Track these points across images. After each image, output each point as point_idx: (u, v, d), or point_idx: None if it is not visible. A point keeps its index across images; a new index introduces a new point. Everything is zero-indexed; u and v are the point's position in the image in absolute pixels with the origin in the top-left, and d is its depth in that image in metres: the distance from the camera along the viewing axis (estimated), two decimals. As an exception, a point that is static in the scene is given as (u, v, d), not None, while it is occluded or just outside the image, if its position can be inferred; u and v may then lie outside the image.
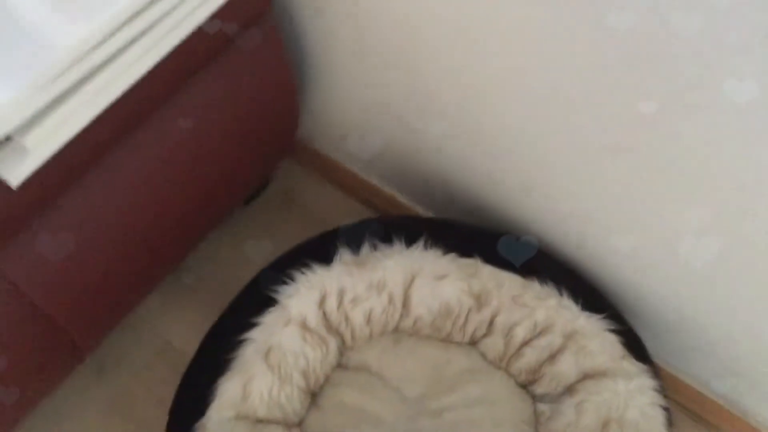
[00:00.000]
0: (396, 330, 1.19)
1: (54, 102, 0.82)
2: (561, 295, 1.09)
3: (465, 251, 1.12)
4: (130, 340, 1.29)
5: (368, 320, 1.14)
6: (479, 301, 1.12)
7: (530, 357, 1.12)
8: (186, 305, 1.32)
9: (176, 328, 1.30)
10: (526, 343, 1.12)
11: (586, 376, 1.08)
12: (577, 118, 0.93)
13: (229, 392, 1.04)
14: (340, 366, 1.19)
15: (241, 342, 1.07)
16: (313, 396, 1.15)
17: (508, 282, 1.11)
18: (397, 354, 1.19)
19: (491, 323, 1.13)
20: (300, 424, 1.12)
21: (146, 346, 1.29)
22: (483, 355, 1.18)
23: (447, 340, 1.19)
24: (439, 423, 1.12)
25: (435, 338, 1.19)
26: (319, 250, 1.12)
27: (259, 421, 1.06)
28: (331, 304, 1.11)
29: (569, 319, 1.09)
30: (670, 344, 1.21)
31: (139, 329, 1.30)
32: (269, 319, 1.08)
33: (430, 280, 1.11)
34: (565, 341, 1.09)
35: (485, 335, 1.16)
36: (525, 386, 1.16)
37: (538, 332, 1.10)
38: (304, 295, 1.09)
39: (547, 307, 1.09)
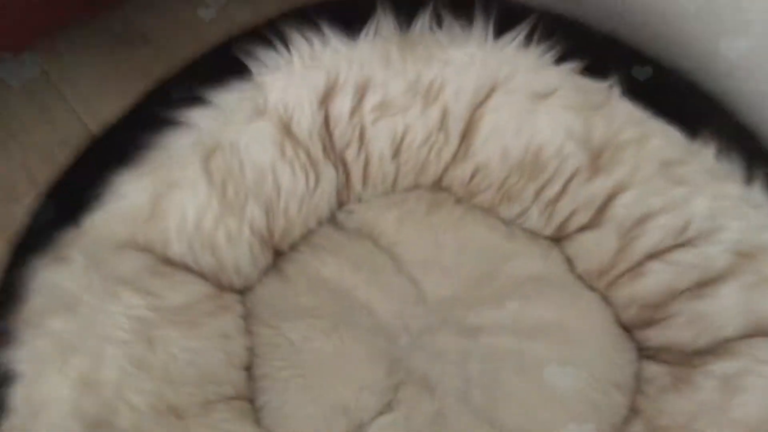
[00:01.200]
0: (438, 185, 0.72)
1: None
2: (750, 181, 0.60)
3: (594, 69, 0.63)
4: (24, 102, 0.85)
5: (396, 150, 0.67)
6: (597, 159, 0.63)
7: (660, 279, 0.63)
8: (113, 67, 0.86)
9: (92, 98, 0.85)
10: (660, 253, 0.63)
11: (758, 332, 0.59)
12: None
13: (128, 199, 0.59)
14: (332, 223, 0.73)
15: (170, 124, 0.61)
16: (277, 254, 0.69)
17: (660, 136, 0.61)
18: (428, 226, 0.72)
19: (607, 204, 0.65)
20: (243, 291, 0.67)
21: (47, 119, 0.84)
22: (570, 262, 0.70)
23: (516, 223, 0.71)
24: (470, 347, 0.66)
25: (498, 215, 0.71)
26: (343, 10, 0.64)
27: (170, 261, 0.61)
28: (343, 103, 0.64)
29: (755, 224, 0.59)
30: None
31: (40, 93, 0.85)
32: (228, 100, 0.61)
33: (521, 97, 0.62)
34: (736, 262, 0.59)
35: (587, 227, 0.67)
36: (630, 329, 0.68)
37: (691, 237, 0.61)
38: (299, 76, 0.62)
39: (720, 196, 0.60)
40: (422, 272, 0.70)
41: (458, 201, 0.72)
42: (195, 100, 0.61)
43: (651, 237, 0.63)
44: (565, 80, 0.61)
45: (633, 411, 0.63)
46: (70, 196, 0.60)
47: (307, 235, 0.71)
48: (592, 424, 0.63)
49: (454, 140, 0.65)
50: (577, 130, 0.61)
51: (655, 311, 0.64)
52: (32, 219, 0.60)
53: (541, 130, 0.62)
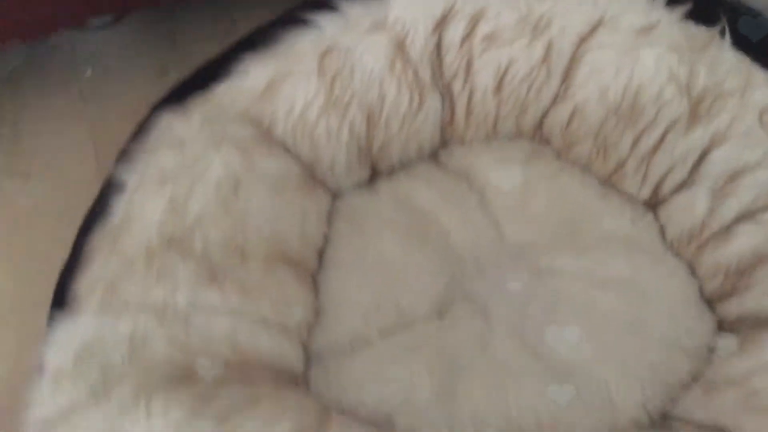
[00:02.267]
0: (539, 132, 0.73)
1: None
2: None
3: (703, 16, 0.62)
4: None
5: (499, 83, 0.70)
6: (697, 107, 0.62)
7: (749, 242, 0.60)
8: None
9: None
10: (752, 213, 0.60)
11: None
12: None
13: (250, 77, 0.67)
14: (434, 160, 0.76)
15: (301, 23, 0.69)
16: (374, 174, 0.74)
17: (765, 87, 0.59)
18: (523, 175, 0.73)
19: (702, 159, 0.62)
20: (336, 195, 0.72)
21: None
22: (662, 230, 0.68)
23: (612, 183, 0.70)
24: (535, 287, 0.65)
25: (595, 173, 0.71)
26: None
27: (273, 138, 0.68)
28: (456, 30, 0.68)
29: None
30: None
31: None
32: (353, 10, 0.69)
33: (625, 36, 0.63)
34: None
35: (681, 186, 0.65)
36: (713, 303, 0.63)
37: (786, 194, 0.57)
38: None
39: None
40: (506, 217, 0.71)
41: (557, 156, 0.73)
42: (327, 6, 0.69)
43: (744, 195, 0.59)
44: (672, 22, 0.61)
45: (695, 378, 0.59)
46: (208, 73, 0.69)
47: (407, 165, 0.76)
48: (648, 385, 0.59)
49: (556, 78, 0.67)
50: (680, 73, 0.61)
51: (739, 279, 0.60)
52: (170, 89, 0.70)
53: (642, 69, 0.62)
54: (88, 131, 0.92)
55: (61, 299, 0.58)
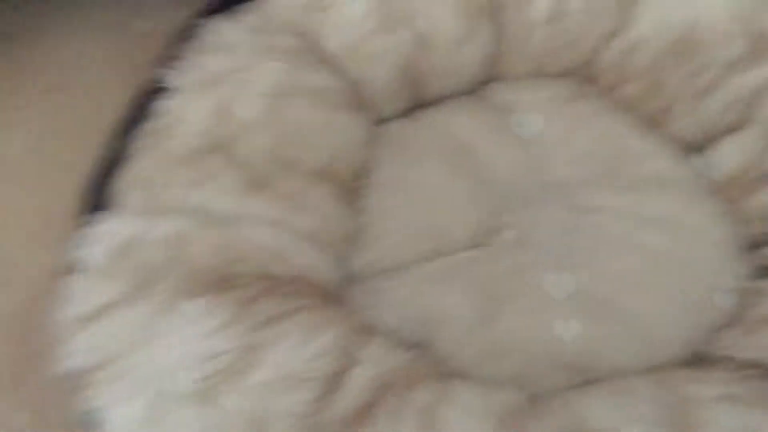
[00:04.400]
0: (588, 69, 0.71)
1: None
2: None
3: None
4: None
5: (553, 14, 0.68)
6: (757, 44, 0.60)
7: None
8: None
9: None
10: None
11: None
12: None
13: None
14: (476, 95, 0.75)
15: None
16: (416, 100, 0.72)
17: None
18: (566, 113, 0.72)
19: (757, 99, 0.61)
20: (377, 122, 0.70)
21: None
22: (707, 172, 0.67)
23: (656, 122, 0.69)
24: (576, 222, 0.65)
25: (640, 112, 0.70)
26: None
27: (322, 56, 0.66)
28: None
29: None
30: None
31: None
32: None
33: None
34: None
35: (731, 128, 0.64)
36: (758, 246, 0.63)
37: None
38: None
39: None
40: (548, 152, 0.70)
41: (602, 94, 0.71)
42: None
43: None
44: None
45: (735, 320, 0.58)
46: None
47: (449, 98, 0.74)
48: (687, 324, 0.59)
49: (614, 9, 0.65)
50: (743, 9, 0.59)
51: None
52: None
53: (706, 4, 0.60)
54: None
55: (94, 202, 0.57)
